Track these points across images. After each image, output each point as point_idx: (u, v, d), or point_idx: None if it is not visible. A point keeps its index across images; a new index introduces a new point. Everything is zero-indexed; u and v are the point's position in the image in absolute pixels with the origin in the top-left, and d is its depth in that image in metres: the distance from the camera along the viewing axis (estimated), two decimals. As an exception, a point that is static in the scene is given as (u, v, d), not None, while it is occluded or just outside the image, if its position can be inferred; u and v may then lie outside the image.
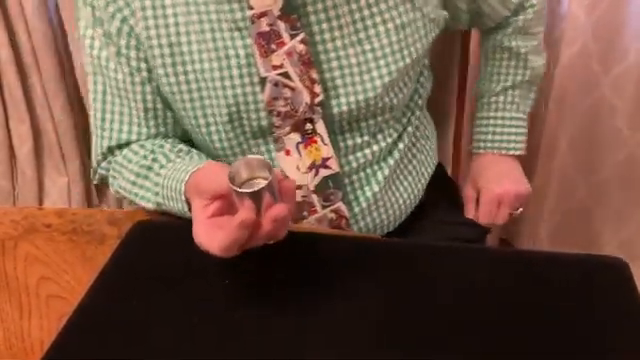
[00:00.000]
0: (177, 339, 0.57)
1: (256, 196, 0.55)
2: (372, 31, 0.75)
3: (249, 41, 0.73)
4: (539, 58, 0.99)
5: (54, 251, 0.71)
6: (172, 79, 0.75)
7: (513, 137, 0.98)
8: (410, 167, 0.88)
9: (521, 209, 0.99)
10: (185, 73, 0.75)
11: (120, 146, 0.80)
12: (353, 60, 0.76)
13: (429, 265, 0.66)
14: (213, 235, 0.58)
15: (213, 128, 0.78)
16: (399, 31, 0.76)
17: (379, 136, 0.82)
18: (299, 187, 0.79)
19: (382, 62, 0.76)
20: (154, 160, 0.76)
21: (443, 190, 0.99)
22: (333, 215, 0.80)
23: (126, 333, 0.58)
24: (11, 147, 1.72)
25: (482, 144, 0.99)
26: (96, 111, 0.80)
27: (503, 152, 0.98)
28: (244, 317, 0.59)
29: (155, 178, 0.74)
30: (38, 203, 1.77)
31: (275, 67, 0.73)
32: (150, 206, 0.74)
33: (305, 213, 0.79)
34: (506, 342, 0.56)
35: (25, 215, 0.77)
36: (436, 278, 0.63)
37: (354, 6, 0.74)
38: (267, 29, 0.72)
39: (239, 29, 0.73)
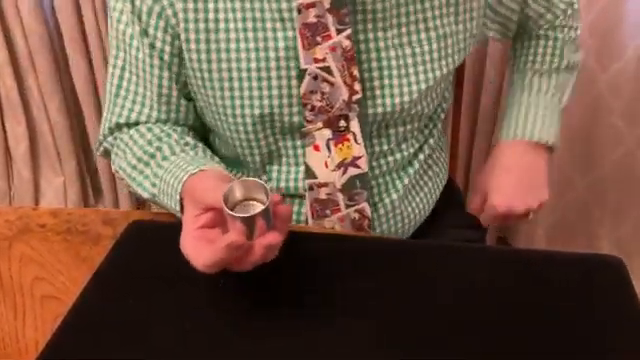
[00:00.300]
0: (172, 340, 0.56)
1: (249, 220, 0.54)
2: (415, 37, 0.75)
3: (291, 33, 0.72)
4: (576, 54, 0.94)
5: (49, 251, 0.71)
6: (204, 65, 0.74)
7: (546, 125, 0.88)
8: (426, 178, 0.88)
9: (532, 215, 0.88)
10: (219, 61, 0.73)
11: (129, 125, 0.79)
12: (393, 62, 0.75)
13: (429, 265, 0.65)
14: (200, 249, 0.57)
15: (240, 120, 0.76)
16: (441, 40, 0.76)
17: (403, 145, 0.82)
18: (325, 185, 0.78)
19: (421, 68, 0.76)
20: (158, 149, 0.74)
21: (449, 195, 0.98)
22: (356, 215, 0.79)
23: (121, 334, 0.57)
24: (7, 148, 1.72)
25: (506, 131, 0.90)
26: (112, 86, 0.79)
27: (530, 139, 0.87)
28: (240, 318, 0.59)
29: (155, 168, 0.73)
30: (34, 203, 1.76)
31: (317, 60, 0.72)
32: (145, 195, 0.73)
33: (328, 211, 0.79)
34: (505, 341, 0.56)
35: (19, 215, 0.77)
36: (436, 278, 0.63)
37: (402, 10, 0.74)
38: (314, 20, 0.71)
39: (282, 19, 0.72)
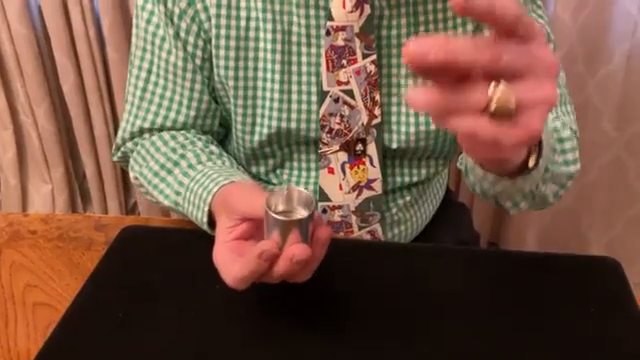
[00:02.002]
0: (167, 347, 0.56)
1: (286, 228, 0.51)
2: None
3: (314, 50, 0.72)
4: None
5: (40, 258, 0.70)
6: (230, 73, 0.73)
7: None
8: (425, 197, 0.88)
9: None
10: (245, 69, 0.73)
11: (152, 130, 0.77)
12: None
13: (423, 267, 0.65)
14: (231, 263, 0.54)
15: (257, 129, 0.76)
16: None
17: (414, 170, 0.82)
18: (339, 207, 0.78)
19: None
20: (182, 157, 0.73)
21: (445, 209, 0.98)
22: (368, 236, 0.79)
23: (115, 341, 0.56)
24: (-6, 154, 1.70)
25: None
26: (136, 88, 0.77)
27: None
28: (237, 324, 0.58)
29: (180, 176, 0.71)
30: (22, 211, 1.74)
31: (340, 83, 0.72)
32: (166, 203, 0.72)
33: (341, 233, 0.79)
34: (504, 343, 0.56)
35: (10, 222, 0.76)
36: (430, 280, 0.63)
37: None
38: (342, 44, 0.71)
39: (308, 35, 0.72)
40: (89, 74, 1.55)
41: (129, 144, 0.79)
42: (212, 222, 0.64)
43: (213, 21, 0.71)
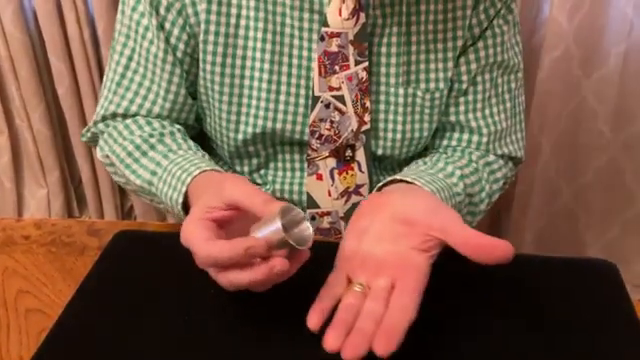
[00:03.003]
0: (160, 352, 0.55)
1: (282, 245, 0.51)
2: (423, 76, 0.75)
3: (305, 54, 0.72)
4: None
5: (33, 263, 0.69)
6: (218, 69, 0.73)
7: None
8: None
9: None
10: (233, 66, 0.73)
11: (125, 116, 0.77)
12: (401, 100, 0.75)
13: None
14: (206, 241, 0.52)
15: (242, 128, 0.75)
16: (447, 83, 0.76)
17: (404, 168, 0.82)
18: (328, 213, 0.78)
19: (427, 111, 0.76)
20: (160, 141, 0.72)
21: None
22: None
23: (108, 347, 0.56)
24: (-11, 158, 1.69)
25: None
26: (115, 74, 0.76)
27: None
28: (232, 329, 0.58)
29: (158, 158, 0.70)
30: (17, 216, 1.73)
31: (331, 88, 0.73)
32: (138, 182, 0.71)
33: (331, 240, 0.78)
34: (500, 345, 0.55)
35: (2, 227, 0.75)
36: (429, 282, 0.63)
37: (413, 48, 0.74)
38: (336, 50, 0.71)
39: (301, 38, 0.72)
40: (84, 77, 1.54)
41: (100, 125, 0.78)
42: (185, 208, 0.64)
43: (202, 16, 0.70)
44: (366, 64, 0.72)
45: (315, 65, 0.72)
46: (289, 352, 0.55)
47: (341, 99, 0.73)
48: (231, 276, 0.52)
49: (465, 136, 0.79)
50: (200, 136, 0.83)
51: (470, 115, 0.78)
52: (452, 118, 0.79)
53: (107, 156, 0.76)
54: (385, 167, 0.82)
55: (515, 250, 0.52)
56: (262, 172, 0.80)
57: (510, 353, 0.55)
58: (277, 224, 0.51)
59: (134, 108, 0.76)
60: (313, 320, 0.53)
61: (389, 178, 0.68)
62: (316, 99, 0.73)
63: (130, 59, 0.75)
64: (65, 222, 0.76)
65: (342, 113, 0.74)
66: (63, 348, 0.56)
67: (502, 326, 0.58)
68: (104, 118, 0.78)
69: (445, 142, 0.81)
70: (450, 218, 0.55)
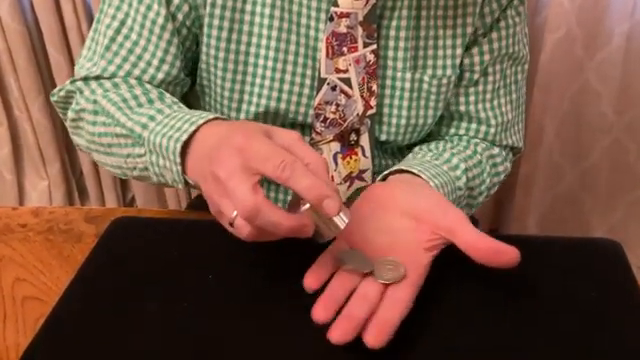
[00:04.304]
0: (158, 340, 0.55)
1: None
2: (430, 62, 0.74)
3: (312, 33, 0.71)
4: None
5: (29, 251, 0.69)
6: (223, 44, 0.71)
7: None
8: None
9: None
10: (238, 42, 0.71)
11: (112, 79, 0.71)
12: (407, 85, 0.74)
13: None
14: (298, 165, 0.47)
15: (245, 107, 0.74)
16: (455, 70, 0.75)
17: (406, 154, 0.81)
18: None
19: (433, 97, 0.75)
20: (160, 99, 0.67)
21: None
22: None
23: (104, 334, 0.55)
24: (-11, 151, 1.69)
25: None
26: (104, 37, 0.71)
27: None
28: (231, 316, 0.57)
29: (160, 105, 0.64)
30: (19, 207, 1.73)
31: (338, 70, 0.71)
32: (129, 125, 0.63)
33: None
34: (505, 326, 0.55)
35: (-1, 216, 0.75)
36: (433, 265, 0.62)
37: (422, 33, 0.73)
38: (344, 31, 0.70)
39: (309, 17, 0.70)
40: (83, 68, 1.54)
41: (79, 83, 0.72)
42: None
43: None
44: (374, 47, 0.71)
45: (323, 46, 0.70)
46: (290, 337, 0.54)
47: (347, 82, 0.72)
48: (273, 211, 0.47)
49: (473, 126, 0.79)
50: None
51: (480, 106, 0.78)
52: (462, 108, 0.78)
53: (83, 110, 0.70)
54: (386, 151, 0.80)
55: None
56: None
57: (512, 331, 0.54)
58: (342, 220, 0.50)
59: (121, 73, 0.71)
60: (309, 281, 0.53)
61: (394, 167, 0.67)
62: (322, 81, 0.71)
63: (122, 23, 0.71)
64: (62, 210, 0.75)
65: (348, 96, 0.72)
66: (60, 335, 0.56)
67: (504, 305, 0.57)
68: (86, 78, 0.72)
69: (452, 130, 0.80)
70: (458, 219, 0.55)
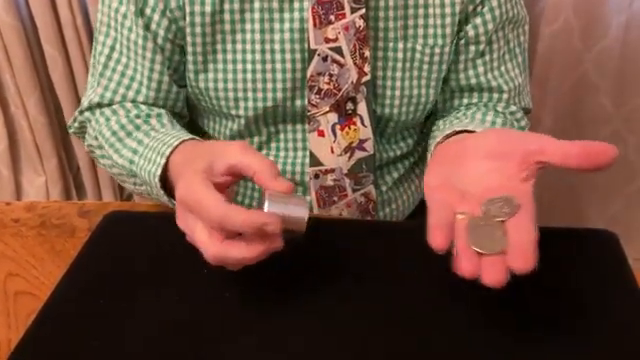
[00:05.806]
0: (151, 335, 0.54)
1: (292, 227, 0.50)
2: (421, 31, 0.73)
3: (297, 14, 0.69)
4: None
5: (22, 246, 0.69)
6: (209, 48, 0.71)
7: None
8: (417, 171, 0.87)
9: None
10: (223, 42, 0.71)
11: (111, 105, 0.75)
12: (400, 55, 0.74)
13: (423, 244, 0.63)
14: (220, 202, 0.49)
15: (242, 113, 0.74)
16: (446, 40, 0.74)
17: (403, 140, 0.82)
18: (332, 170, 0.76)
19: (426, 67, 0.75)
20: (145, 122, 0.71)
21: None
22: (363, 199, 0.77)
23: (96, 328, 0.55)
24: (-15, 147, 1.68)
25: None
26: (98, 64, 0.75)
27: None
28: (226, 310, 0.57)
29: (140, 136, 0.69)
30: (16, 204, 1.73)
31: (328, 40, 0.70)
32: (120, 162, 0.69)
33: (335, 198, 0.76)
34: (497, 318, 0.54)
35: (-8, 211, 0.74)
36: (430, 257, 0.61)
37: (410, 2, 0.71)
38: None
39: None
40: (78, 64, 1.53)
41: (87, 113, 0.77)
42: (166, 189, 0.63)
43: None
44: (363, 11, 0.69)
45: (309, 15, 0.69)
46: (286, 330, 0.54)
47: (339, 50, 0.70)
48: (234, 250, 0.50)
49: (486, 94, 0.79)
50: (194, 131, 0.82)
51: (489, 75, 0.78)
52: (473, 81, 0.78)
53: (96, 138, 0.74)
54: (387, 133, 0.80)
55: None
56: (264, 152, 0.79)
57: (508, 321, 0.54)
58: (302, 210, 0.50)
59: (118, 98, 0.75)
60: (437, 240, 0.48)
61: (447, 131, 0.64)
62: (312, 52, 0.70)
63: (112, 49, 0.74)
64: (55, 204, 0.75)
65: (341, 65, 0.71)
66: (51, 330, 0.55)
67: (499, 295, 0.56)
68: (90, 107, 0.77)
69: (465, 100, 0.80)
70: (542, 137, 0.51)
